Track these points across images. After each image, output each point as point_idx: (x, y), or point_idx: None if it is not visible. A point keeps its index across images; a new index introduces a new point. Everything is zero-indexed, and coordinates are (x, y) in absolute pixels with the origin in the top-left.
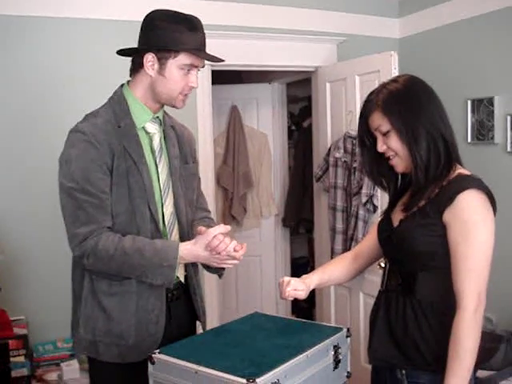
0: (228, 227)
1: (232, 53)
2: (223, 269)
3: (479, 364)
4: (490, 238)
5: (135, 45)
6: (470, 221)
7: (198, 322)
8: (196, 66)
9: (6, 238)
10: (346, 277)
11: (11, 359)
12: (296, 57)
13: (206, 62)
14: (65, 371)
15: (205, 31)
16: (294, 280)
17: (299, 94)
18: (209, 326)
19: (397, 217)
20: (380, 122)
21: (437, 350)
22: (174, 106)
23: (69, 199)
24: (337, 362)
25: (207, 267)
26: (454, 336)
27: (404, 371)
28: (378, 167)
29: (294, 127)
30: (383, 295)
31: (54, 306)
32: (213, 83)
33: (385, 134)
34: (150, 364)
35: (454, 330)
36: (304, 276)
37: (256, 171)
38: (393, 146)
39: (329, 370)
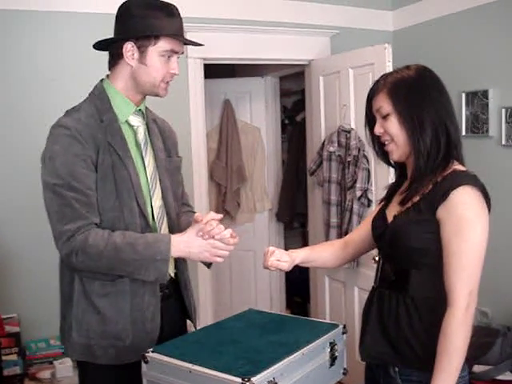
0: (219, 215)
1: (225, 46)
2: None
3: (475, 358)
4: (483, 235)
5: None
6: (463, 217)
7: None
8: (176, 52)
9: None
10: (333, 262)
11: (3, 357)
12: (289, 50)
13: (199, 55)
14: (58, 369)
15: (194, 24)
16: (279, 251)
17: (292, 87)
18: (203, 323)
19: (391, 212)
20: (382, 103)
21: (429, 347)
22: (156, 95)
23: (54, 196)
24: (333, 359)
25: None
26: (444, 333)
27: (397, 368)
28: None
29: (287, 121)
30: (376, 291)
31: (47, 304)
32: (205, 77)
33: (384, 118)
34: (143, 363)
35: (444, 327)
36: (291, 250)
37: (249, 166)
38: (391, 131)
39: (325, 368)
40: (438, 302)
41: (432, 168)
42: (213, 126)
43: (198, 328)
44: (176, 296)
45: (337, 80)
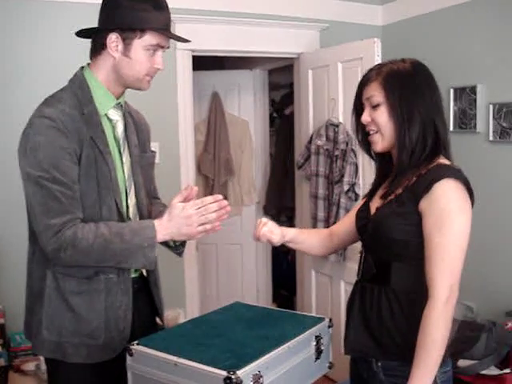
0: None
1: (214, 38)
2: (183, 245)
3: (460, 353)
4: (465, 228)
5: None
6: (445, 210)
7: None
8: (162, 47)
9: None
10: (318, 249)
11: None
12: (278, 43)
13: (187, 46)
14: (42, 361)
15: (182, 15)
16: (272, 223)
17: (281, 80)
18: (189, 315)
19: (374, 205)
20: (374, 92)
21: (411, 339)
22: (139, 89)
23: (38, 188)
24: (319, 352)
25: (168, 245)
26: (423, 326)
27: (380, 363)
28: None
29: (275, 114)
30: (359, 285)
31: None
32: (194, 69)
33: (374, 107)
34: (128, 356)
35: (424, 319)
36: (282, 227)
37: (237, 159)
38: (378, 121)
39: (311, 361)
40: (419, 295)
41: (416, 163)
42: (201, 118)
43: (185, 321)
44: (146, 292)
45: (325, 74)
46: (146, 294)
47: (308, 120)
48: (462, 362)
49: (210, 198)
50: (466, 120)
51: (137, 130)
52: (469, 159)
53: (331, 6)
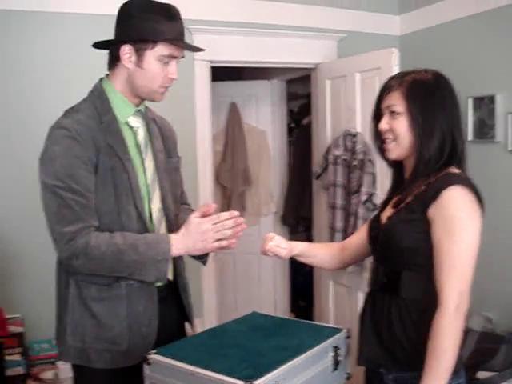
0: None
1: (232, 49)
2: (207, 254)
3: (479, 365)
4: (475, 236)
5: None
6: (454, 217)
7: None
8: (175, 57)
9: (1, 235)
10: (330, 263)
11: (7, 357)
12: (296, 53)
13: (205, 57)
14: (61, 369)
15: (200, 26)
16: (278, 237)
17: (299, 91)
18: (206, 325)
19: (386, 214)
20: (396, 101)
21: (422, 350)
22: (152, 100)
23: (53, 197)
24: (336, 363)
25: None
26: (433, 334)
27: (390, 376)
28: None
29: (293, 125)
30: (370, 294)
31: (50, 304)
32: (212, 80)
33: (394, 116)
34: (145, 365)
35: (433, 328)
36: (291, 241)
37: (255, 169)
38: (397, 130)
39: (328, 372)
40: (429, 303)
41: (428, 173)
42: (219, 128)
43: (202, 331)
44: (174, 299)
45: (343, 84)
46: (174, 300)
47: (326, 130)
48: (482, 374)
49: (226, 214)
50: (484, 130)
51: (162, 135)
52: (488, 169)
53: (349, 16)
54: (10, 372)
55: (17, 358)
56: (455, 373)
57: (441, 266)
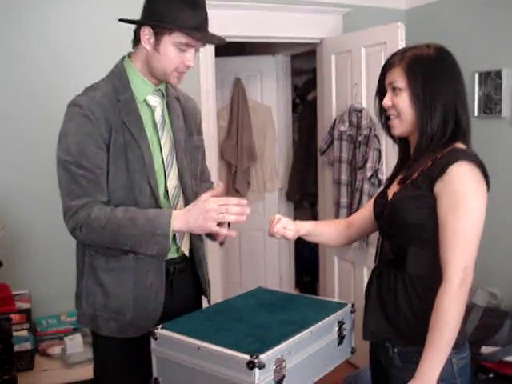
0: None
1: (236, 24)
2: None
3: (483, 340)
4: (480, 212)
5: (138, 14)
6: (460, 193)
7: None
8: (192, 46)
9: (7, 212)
10: (336, 240)
11: (14, 333)
12: (301, 28)
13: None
14: (68, 345)
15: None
16: (285, 219)
17: (304, 66)
18: (212, 301)
19: (392, 191)
20: (397, 78)
21: (427, 325)
22: (167, 82)
23: (64, 172)
24: (341, 337)
25: (209, 236)
26: (436, 308)
27: (396, 349)
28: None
29: (298, 100)
30: (376, 270)
31: (57, 280)
32: (216, 55)
33: (396, 92)
34: (152, 340)
35: (437, 302)
36: (297, 221)
37: (260, 145)
38: (399, 106)
39: (333, 346)
40: (435, 279)
41: (433, 148)
42: (223, 104)
43: (208, 306)
44: (190, 272)
45: (349, 59)
46: (190, 275)
47: (331, 106)
48: (486, 349)
49: (234, 200)
50: (490, 105)
51: (184, 114)
52: (494, 144)
53: None
54: (17, 348)
55: (24, 333)
56: (459, 347)
57: (445, 241)
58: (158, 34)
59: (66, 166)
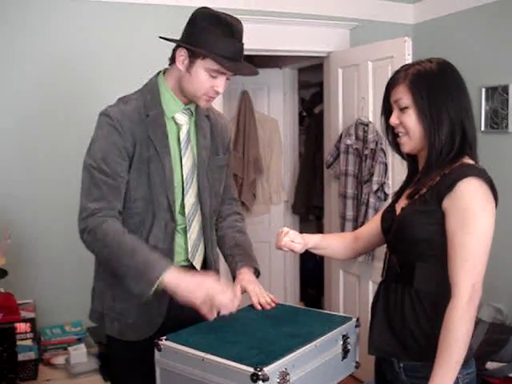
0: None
1: (244, 37)
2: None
3: (489, 355)
4: (488, 228)
5: (169, 30)
6: (469, 209)
7: None
8: (224, 73)
9: (13, 221)
10: (343, 253)
11: (19, 343)
12: (308, 42)
13: None
14: (72, 355)
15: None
16: (293, 232)
17: (311, 79)
18: None
19: (400, 205)
20: (402, 95)
21: (434, 341)
22: (196, 103)
23: (87, 175)
24: (345, 351)
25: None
26: (446, 325)
27: (402, 364)
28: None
29: (305, 113)
30: (383, 285)
31: (62, 290)
32: None
33: (402, 110)
34: (156, 351)
35: (446, 319)
36: (304, 234)
37: (266, 157)
38: (407, 124)
39: (337, 360)
40: (442, 295)
41: (441, 163)
42: (230, 117)
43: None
44: None
45: (355, 72)
46: None
47: (337, 119)
48: (491, 365)
49: (234, 309)
50: (497, 120)
51: (212, 132)
52: (500, 159)
53: (361, 4)
54: (21, 357)
55: (28, 343)
56: (465, 363)
57: (454, 258)
58: (192, 57)
59: (89, 169)
